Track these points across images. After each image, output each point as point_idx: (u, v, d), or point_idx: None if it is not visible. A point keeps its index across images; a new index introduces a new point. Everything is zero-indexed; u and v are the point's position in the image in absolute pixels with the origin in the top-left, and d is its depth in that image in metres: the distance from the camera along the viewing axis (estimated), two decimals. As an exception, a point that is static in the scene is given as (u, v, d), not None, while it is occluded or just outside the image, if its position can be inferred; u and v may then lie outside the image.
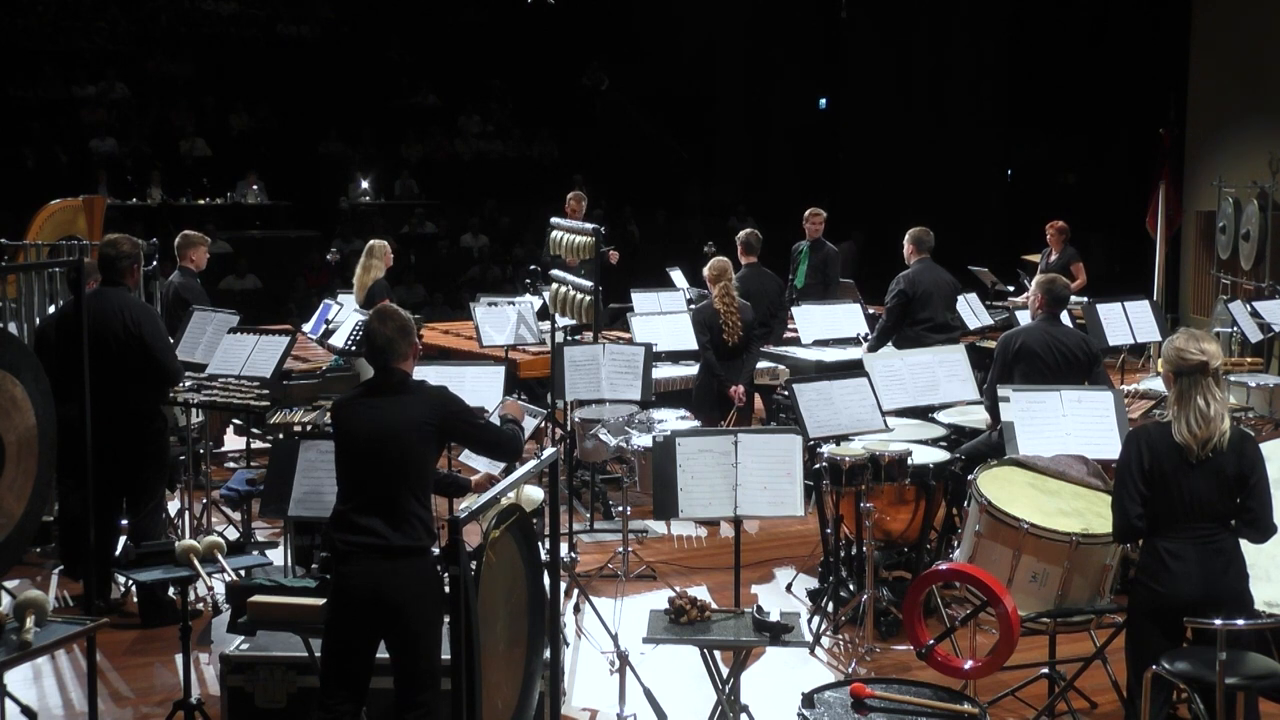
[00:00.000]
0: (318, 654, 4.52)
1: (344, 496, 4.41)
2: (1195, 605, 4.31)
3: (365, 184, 18.37)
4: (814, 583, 6.98)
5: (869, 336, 9.34)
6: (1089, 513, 5.08)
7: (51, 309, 7.63)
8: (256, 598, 4.57)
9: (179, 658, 5.28)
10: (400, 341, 4.46)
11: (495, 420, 4.96)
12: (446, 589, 4.44)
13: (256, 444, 9.03)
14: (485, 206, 18.60)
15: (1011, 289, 12.40)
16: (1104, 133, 17.04)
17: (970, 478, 5.42)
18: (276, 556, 6.82)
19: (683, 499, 5.33)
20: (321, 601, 4.38)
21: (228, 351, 7.46)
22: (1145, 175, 14.58)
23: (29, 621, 4.52)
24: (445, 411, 4.40)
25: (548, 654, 4.37)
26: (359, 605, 4.25)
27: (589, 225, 9.05)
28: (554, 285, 9.28)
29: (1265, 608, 4.65)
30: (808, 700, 3.94)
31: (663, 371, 8.67)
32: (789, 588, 7.09)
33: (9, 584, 6.25)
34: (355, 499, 4.33)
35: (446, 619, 4.16)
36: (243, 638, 4.85)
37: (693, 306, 9.20)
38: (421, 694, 4.28)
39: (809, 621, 6.30)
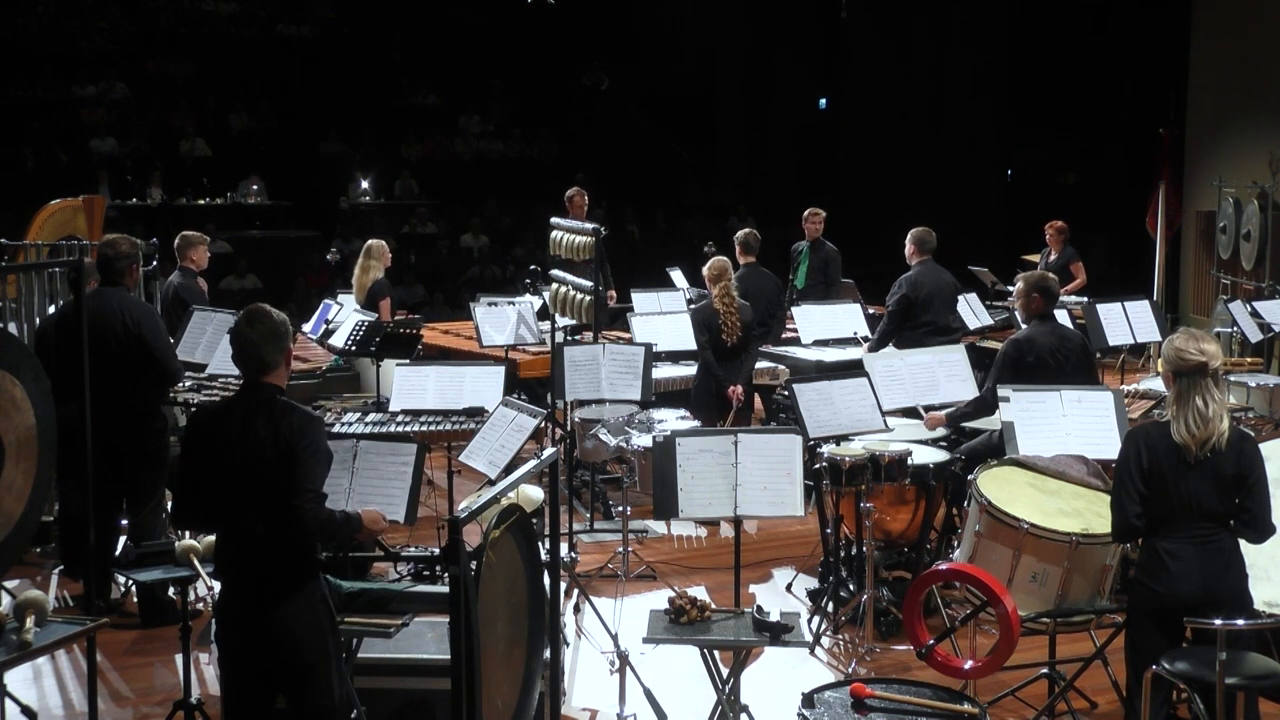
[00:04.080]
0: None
1: (215, 526, 4.11)
2: (1195, 605, 4.31)
3: (365, 184, 18.38)
4: (814, 583, 6.98)
5: (867, 337, 9.33)
6: (1089, 513, 5.08)
7: (51, 309, 7.63)
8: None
9: (179, 658, 5.29)
10: (270, 349, 4.04)
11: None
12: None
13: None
14: (485, 206, 18.61)
15: (1011, 289, 12.39)
16: (1104, 132, 17.04)
17: (970, 478, 5.42)
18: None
19: (683, 499, 5.33)
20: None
21: (228, 351, 7.44)
22: (1145, 175, 14.58)
23: (29, 621, 4.52)
24: (298, 448, 3.91)
25: (548, 654, 4.37)
26: (239, 644, 4.03)
27: (589, 225, 9.04)
28: (554, 285, 9.28)
29: (1265, 608, 4.65)
30: (808, 700, 3.94)
31: (663, 371, 8.67)
32: (789, 588, 7.09)
33: (9, 584, 6.25)
34: (224, 528, 4.05)
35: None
36: (243, 638, 4.84)
37: (692, 306, 9.20)
38: None
39: (809, 621, 6.30)
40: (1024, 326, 6.89)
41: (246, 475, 3.96)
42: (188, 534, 7.39)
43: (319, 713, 4.09)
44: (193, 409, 7.62)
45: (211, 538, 5.13)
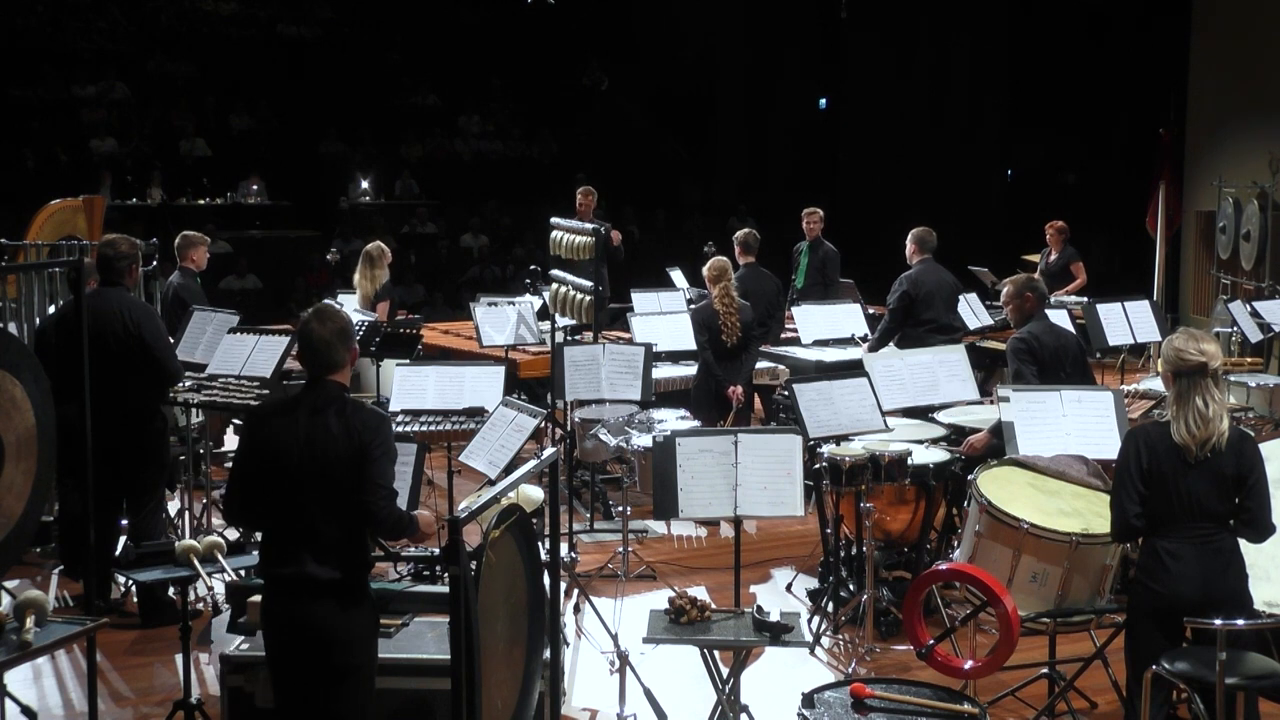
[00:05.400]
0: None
1: (268, 523, 4.11)
2: (1194, 605, 4.30)
3: (365, 184, 18.39)
4: (814, 583, 6.98)
5: (866, 337, 9.33)
6: (1089, 513, 5.07)
7: (51, 309, 7.63)
8: (257, 598, 4.57)
9: (179, 658, 5.29)
10: (339, 347, 4.06)
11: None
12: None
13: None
14: (485, 206, 18.61)
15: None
16: (1104, 133, 17.05)
17: (970, 478, 5.42)
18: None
19: (683, 499, 5.33)
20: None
21: (228, 351, 7.47)
22: (1145, 175, 14.58)
23: (29, 621, 4.52)
24: (370, 445, 3.96)
25: (548, 654, 4.37)
26: (287, 643, 4.05)
27: (589, 225, 9.04)
28: (554, 285, 9.28)
29: (1265, 608, 4.65)
30: (808, 700, 3.94)
31: (663, 371, 8.67)
32: (789, 588, 7.09)
33: (9, 584, 6.25)
34: (281, 526, 4.05)
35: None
36: (243, 638, 4.85)
37: (692, 307, 9.20)
38: None
39: (809, 621, 6.30)
40: (1018, 328, 6.83)
41: (314, 472, 3.96)
42: (187, 533, 7.43)
43: (352, 713, 4.09)
44: (193, 406, 7.64)
45: (212, 538, 5.17)
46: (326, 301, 4.25)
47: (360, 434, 3.97)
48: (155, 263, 8.78)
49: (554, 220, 9.39)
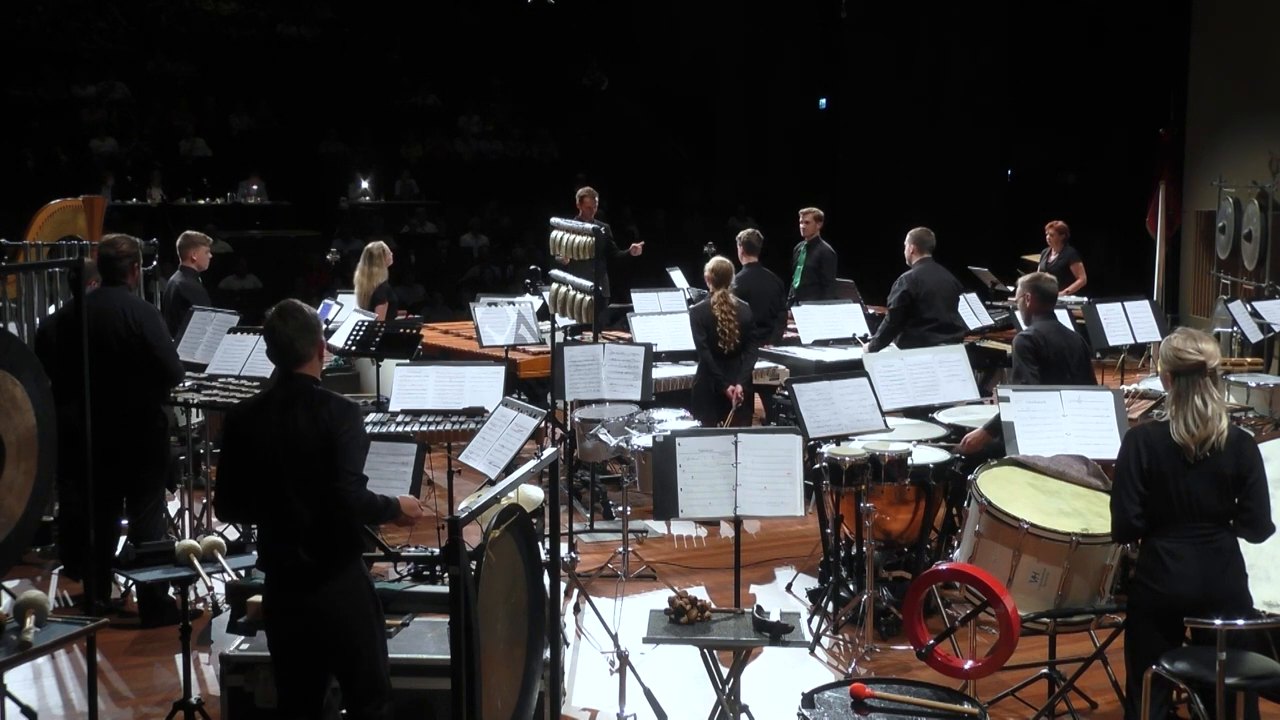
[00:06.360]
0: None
1: (258, 517, 4.24)
2: (1194, 605, 4.30)
3: (365, 184, 18.39)
4: (814, 583, 6.98)
5: (867, 337, 9.33)
6: (1089, 513, 5.08)
7: (51, 309, 7.63)
8: (256, 598, 4.57)
9: (179, 658, 5.29)
10: (302, 342, 4.15)
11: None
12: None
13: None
14: (485, 206, 18.61)
15: (1011, 289, 12.37)
16: (1104, 133, 17.04)
17: (970, 478, 5.42)
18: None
19: (683, 499, 5.33)
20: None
21: (228, 351, 7.48)
22: (1145, 175, 14.57)
23: (29, 621, 4.52)
24: (339, 433, 4.05)
25: (548, 654, 4.37)
26: (289, 631, 4.14)
27: (589, 225, 9.04)
28: (554, 285, 9.28)
29: (1265, 608, 4.65)
30: (808, 700, 3.94)
31: (663, 371, 8.67)
32: (789, 588, 7.09)
33: (9, 584, 6.25)
34: (268, 519, 4.17)
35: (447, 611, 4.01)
36: (243, 638, 4.86)
37: (691, 306, 9.20)
38: (367, 706, 4.22)
39: (809, 621, 6.30)
40: (1025, 326, 6.87)
41: (289, 463, 4.07)
42: (187, 533, 7.43)
43: (369, 691, 4.19)
44: (193, 406, 7.65)
45: (212, 538, 5.17)
46: (290, 299, 4.31)
47: (328, 424, 4.07)
48: (155, 263, 8.78)
49: (554, 220, 9.39)
